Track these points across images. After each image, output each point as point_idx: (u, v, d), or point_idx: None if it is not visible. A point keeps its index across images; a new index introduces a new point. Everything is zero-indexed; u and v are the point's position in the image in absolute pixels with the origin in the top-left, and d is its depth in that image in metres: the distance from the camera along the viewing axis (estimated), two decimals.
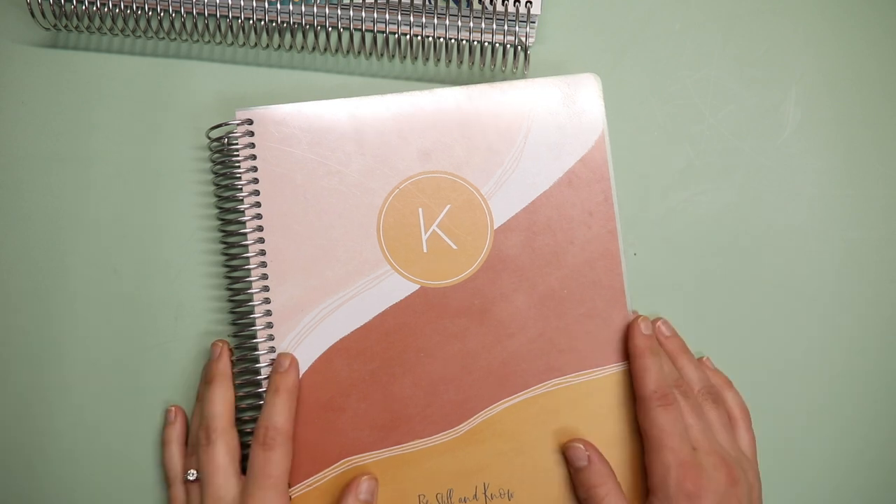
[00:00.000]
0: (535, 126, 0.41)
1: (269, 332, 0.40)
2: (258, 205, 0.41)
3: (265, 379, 0.40)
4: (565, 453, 0.39)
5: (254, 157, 0.41)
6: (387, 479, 0.40)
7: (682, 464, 0.36)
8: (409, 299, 0.40)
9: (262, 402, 0.39)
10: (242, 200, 0.41)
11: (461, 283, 0.41)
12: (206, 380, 0.40)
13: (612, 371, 0.40)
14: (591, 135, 0.41)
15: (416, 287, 0.41)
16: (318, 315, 0.40)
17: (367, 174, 0.41)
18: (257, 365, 0.40)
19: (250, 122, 0.41)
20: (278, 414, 0.38)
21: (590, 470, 0.38)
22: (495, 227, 0.41)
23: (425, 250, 0.41)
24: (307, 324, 0.40)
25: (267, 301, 0.40)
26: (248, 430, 0.39)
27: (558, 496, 0.40)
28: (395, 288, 0.41)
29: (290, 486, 0.39)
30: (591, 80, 0.42)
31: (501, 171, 0.41)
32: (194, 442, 0.39)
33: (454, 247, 0.41)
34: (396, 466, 0.40)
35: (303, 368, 0.40)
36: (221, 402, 0.39)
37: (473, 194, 0.41)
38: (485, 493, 0.40)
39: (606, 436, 0.40)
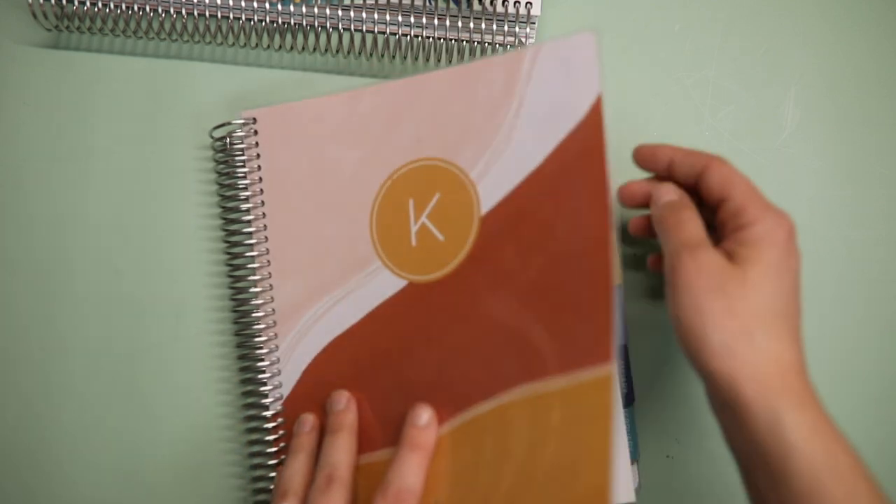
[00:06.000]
0: (526, 101, 0.37)
1: (273, 331, 0.40)
2: (262, 203, 0.41)
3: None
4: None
5: (258, 155, 0.41)
6: (378, 483, 0.36)
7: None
8: (396, 297, 0.38)
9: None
10: (246, 199, 0.41)
11: (445, 277, 0.38)
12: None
13: (604, 372, 0.34)
14: (584, 102, 0.35)
15: (403, 283, 0.38)
16: (316, 314, 0.40)
17: (365, 168, 0.40)
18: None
19: (254, 121, 0.41)
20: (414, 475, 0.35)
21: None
22: (482, 214, 0.38)
23: (414, 243, 0.39)
24: (306, 323, 0.40)
25: (270, 300, 0.40)
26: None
27: (558, 498, 0.38)
28: (383, 285, 0.39)
29: None
30: (586, 42, 0.35)
31: (490, 151, 0.38)
32: None
33: (441, 238, 0.38)
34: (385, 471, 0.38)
35: (301, 368, 0.40)
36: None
37: (462, 180, 0.38)
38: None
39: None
